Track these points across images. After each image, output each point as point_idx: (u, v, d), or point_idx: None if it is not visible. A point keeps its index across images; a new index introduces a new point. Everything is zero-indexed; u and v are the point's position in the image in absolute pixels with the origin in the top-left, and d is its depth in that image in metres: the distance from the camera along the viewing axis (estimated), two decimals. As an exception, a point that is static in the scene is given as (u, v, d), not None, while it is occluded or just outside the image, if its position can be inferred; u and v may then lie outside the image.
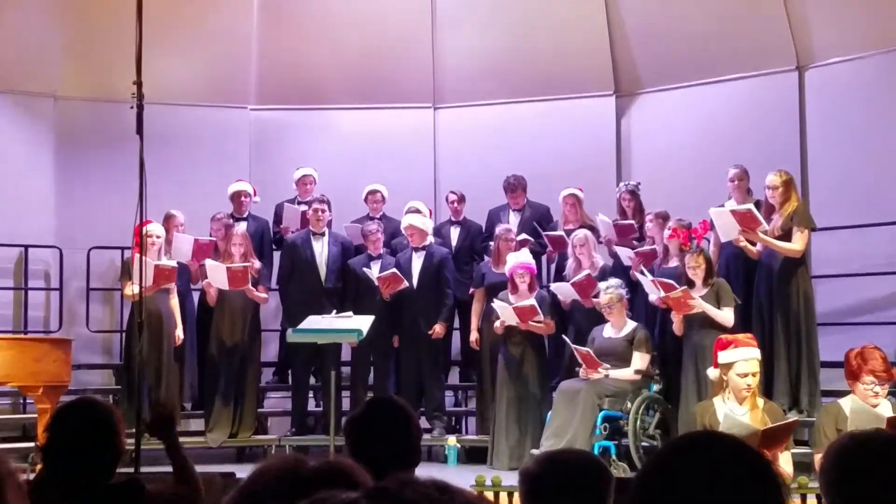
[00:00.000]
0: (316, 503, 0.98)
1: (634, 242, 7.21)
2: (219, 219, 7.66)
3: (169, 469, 3.01)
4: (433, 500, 0.97)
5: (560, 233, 7.50)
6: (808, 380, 6.26)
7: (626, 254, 7.13)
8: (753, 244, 6.43)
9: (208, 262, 7.19)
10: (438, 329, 7.32)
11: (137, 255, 5.53)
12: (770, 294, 6.39)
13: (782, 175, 6.41)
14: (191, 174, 8.68)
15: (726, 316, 6.14)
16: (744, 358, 4.75)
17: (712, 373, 4.96)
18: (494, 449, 6.82)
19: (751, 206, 6.34)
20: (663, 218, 6.94)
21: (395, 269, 7.23)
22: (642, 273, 6.65)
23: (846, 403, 4.66)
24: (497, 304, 6.80)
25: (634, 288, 6.88)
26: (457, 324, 7.85)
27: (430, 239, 7.54)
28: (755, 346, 4.90)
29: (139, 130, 4.78)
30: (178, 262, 7.16)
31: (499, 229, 7.34)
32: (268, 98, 9.21)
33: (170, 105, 8.47)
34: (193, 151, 8.85)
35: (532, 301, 6.73)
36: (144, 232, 6.62)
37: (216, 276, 7.10)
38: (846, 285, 7.55)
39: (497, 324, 6.86)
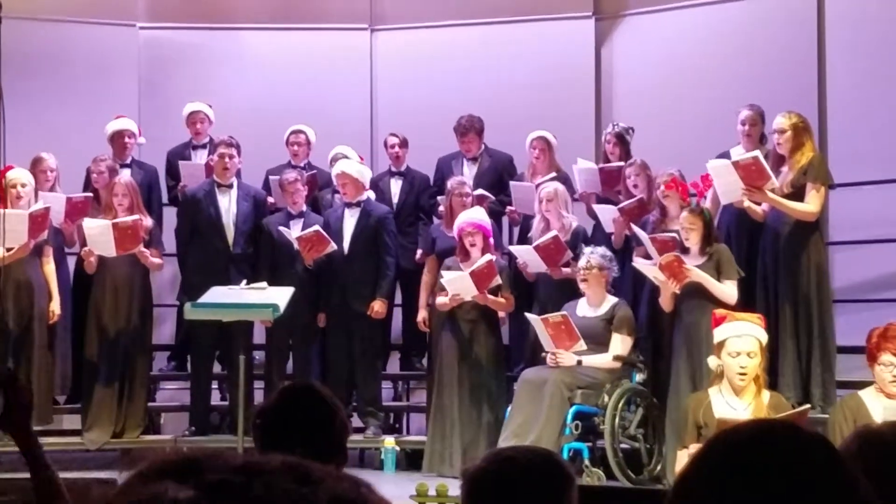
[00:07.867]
0: (141, 502, 0.98)
1: (620, 198, 7.16)
2: (101, 160, 7.57)
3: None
4: (291, 496, 0.97)
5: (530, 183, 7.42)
6: (820, 368, 6.31)
7: (608, 215, 7.05)
8: (759, 204, 6.49)
9: (87, 223, 7.08)
10: (378, 307, 7.31)
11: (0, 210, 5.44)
12: (776, 265, 6.43)
13: (791, 117, 6.41)
14: (62, 109, 8.56)
15: (727, 290, 6.19)
16: (735, 334, 4.82)
17: (713, 361, 5.04)
18: (439, 451, 6.85)
19: (757, 153, 6.34)
20: (647, 170, 6.94)
21: (318, 227, 7.21)
22: (635, 230, 6.59)
23: (868, 396, 4.77)
24: (446, 277, 6.81)
25: (621, 262, 6.87)
26: (398, 299, 7.87)
27: (367, 193, 7.53)
28: (757, 323, 4.98)
29: (-6, 51, 4.69)
30: (46, 210, 6.99)
31: (451, 183, 7.35)
32: (162, 14, 9.10)
33: (36, 20, 8.32)
34: (66, 81, 8.72)
35: (489, 256, 6.73)
36: (6, 181, 6.53)
37: (99, 240, 7.00)
38: (869, 254, 7.69)
39: (442, 299, 6.87)
